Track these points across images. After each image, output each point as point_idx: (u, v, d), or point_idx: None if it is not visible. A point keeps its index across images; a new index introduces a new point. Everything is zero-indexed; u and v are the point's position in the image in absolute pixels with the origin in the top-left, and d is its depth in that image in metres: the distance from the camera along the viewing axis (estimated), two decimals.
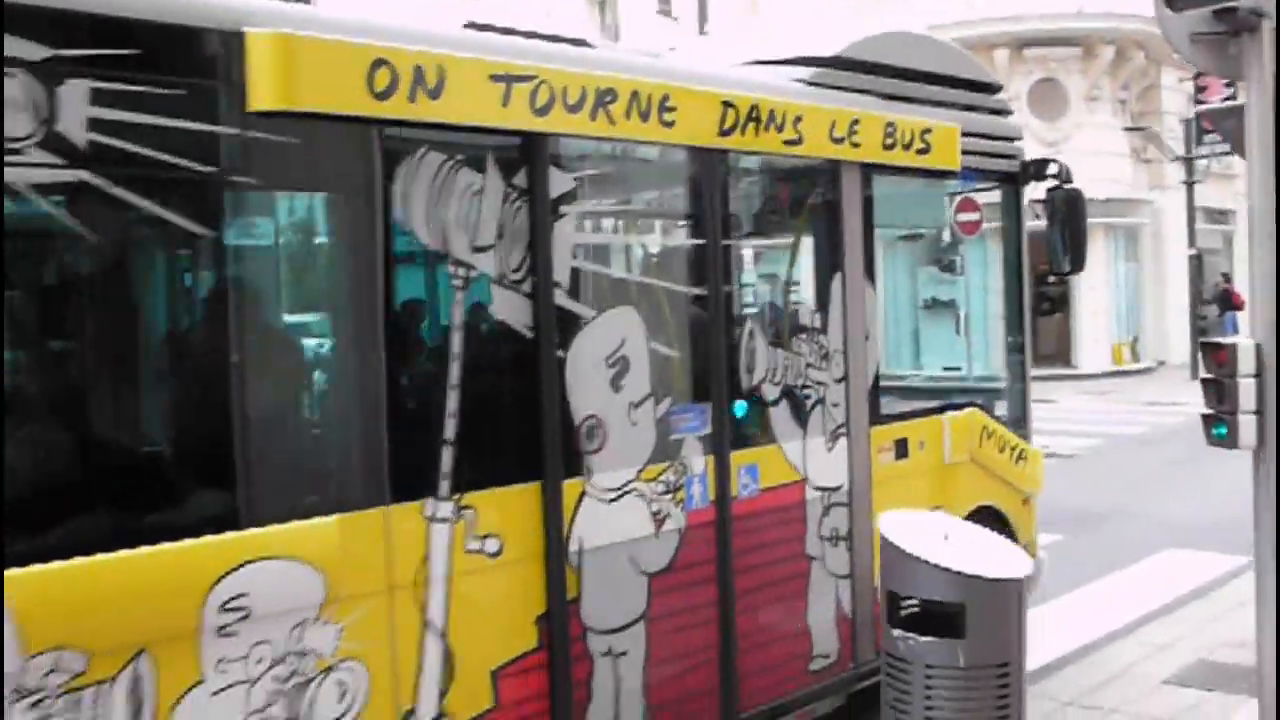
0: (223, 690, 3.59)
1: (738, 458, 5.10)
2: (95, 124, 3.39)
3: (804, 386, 5.45)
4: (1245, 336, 5.06)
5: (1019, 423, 6.74)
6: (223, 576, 3.57)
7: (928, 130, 5.87)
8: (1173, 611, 7.60)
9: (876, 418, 5.78)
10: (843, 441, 5.60)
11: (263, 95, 3.69)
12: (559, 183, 4.49)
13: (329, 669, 3.83)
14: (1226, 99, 4.99)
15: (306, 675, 3.77)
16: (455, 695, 4.16)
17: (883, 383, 5.91)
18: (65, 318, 3.59)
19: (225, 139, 3.71)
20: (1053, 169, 6.47)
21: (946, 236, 7.77)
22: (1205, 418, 4.98)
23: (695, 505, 4.94)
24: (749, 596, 5.13)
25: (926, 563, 4.13)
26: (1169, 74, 29.48)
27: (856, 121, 5.53)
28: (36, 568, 3.25)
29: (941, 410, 6.26)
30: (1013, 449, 6.59)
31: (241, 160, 3.74)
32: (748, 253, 5.98)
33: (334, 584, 3.82)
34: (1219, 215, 30.66)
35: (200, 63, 3.68)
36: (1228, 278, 27.30)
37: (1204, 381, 5.01)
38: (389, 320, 4.05)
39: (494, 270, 4.32)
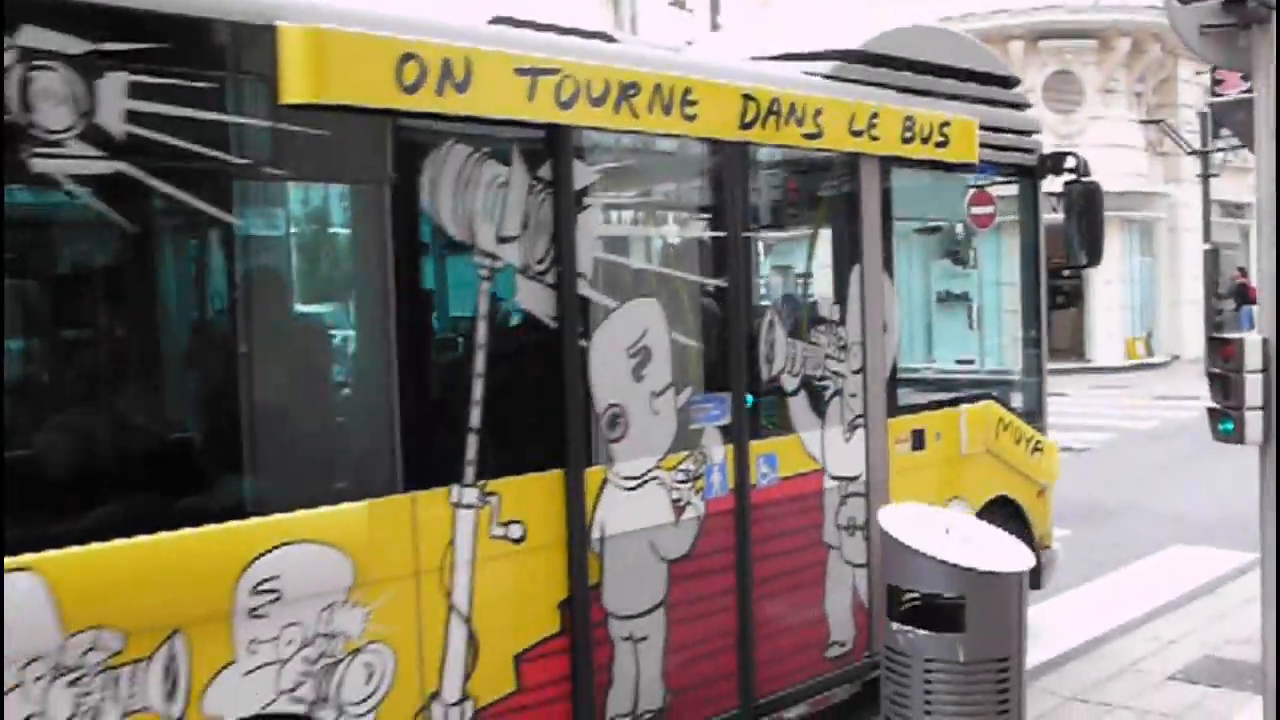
0: (254, 670, 3.68)
1: (757, 447, 5.17)
2: (132, 116, 3.46)
3: (822, 377, 5.51)
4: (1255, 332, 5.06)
5: (1035, 415, 6.79)
6: (255, 559, 3.65)
7: (946, 124, 5.92)
8: (1180, 607, 7.59)
9: (894, 409, 5.84)
10: (860, 432, 5.67)
11: (294, 88, 3.76)
12: (583, 175, 4.55)
13: (357, 651, 3.91)
14: (1244, 92, 4.93)
15: (335, 657, 3.86)
16: (479, 678, 4.24)
17: (900, 375, 5.97)
18: (103, 307, 3.67)
19: (258, 131, 3.78)
20: (1070, 162, 6.52)
21: (960, 230, 7.80)
22: (1211, 412, 4.97)
23: (715, 494, 5.01)
24: (767, 584, 5.19)
25: (926, 556, 4.12)
26: (1186, 67, 29.39)
27: (876, 115, 5.59)
28: (76, 549, 3.33)
29: (958, 402, 6.32)
30: (1029, 440, 6.65)
31: (274, 152, 3.82)
32: (768, 245, 6.03)
33: (362, 568, 3.90)
34: (1235, 209, 30.57)
35: (234, 56, 3.75)
36: (1244, 271, 27.25)
37: (1210, 376, 5.00)
38: (416, 310, 4.12)
39: (519, 261, 4.39)
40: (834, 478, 5.55)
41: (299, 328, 4.08)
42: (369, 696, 3.95)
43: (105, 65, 3.41)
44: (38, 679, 3.26)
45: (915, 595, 4.20)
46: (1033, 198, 6.77)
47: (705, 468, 4.97)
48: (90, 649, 3.35)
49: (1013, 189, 6.85)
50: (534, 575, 4.43)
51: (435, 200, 4.15)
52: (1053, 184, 6.82)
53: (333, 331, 4.18)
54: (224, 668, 3.61)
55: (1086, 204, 6.45)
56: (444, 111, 4.10)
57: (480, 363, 4.27)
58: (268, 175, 3.88)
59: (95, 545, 3.37)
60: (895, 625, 4.17)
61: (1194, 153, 26.86)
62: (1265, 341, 4.84)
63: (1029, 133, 6.70)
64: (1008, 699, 4.10)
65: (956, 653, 4.05)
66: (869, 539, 5.70)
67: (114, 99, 3.43)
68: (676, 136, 4.96)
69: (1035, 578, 6.75)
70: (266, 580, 3.67)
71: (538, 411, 4.50)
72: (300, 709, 3.78)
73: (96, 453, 3.57)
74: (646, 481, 4.76)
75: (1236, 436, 4.88)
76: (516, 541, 4.35)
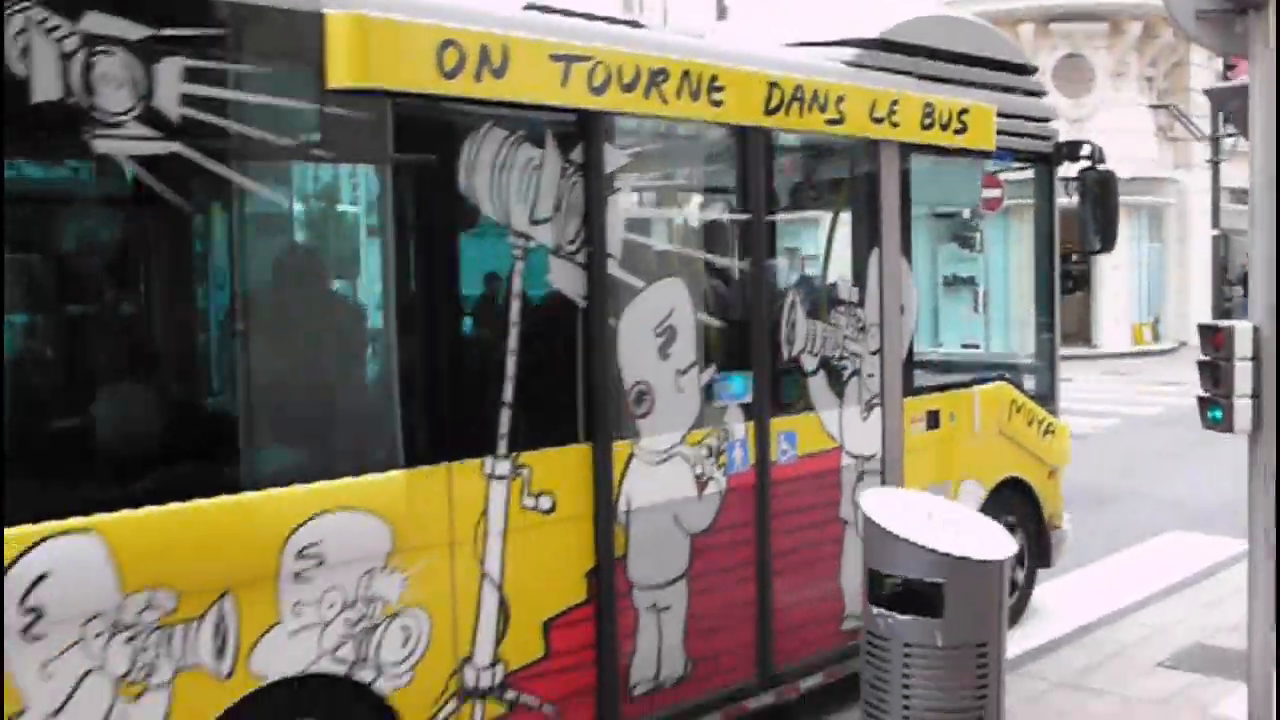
0: (298, 631, 3.84)
1: (777, 424, 5.32)
2: (187, 99, 3.60)
3: (841, 358, 5.66)
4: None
5: (1047, 398, 6.93)
6: (300, 525, 3.81)
7: (965, 111, 6.04)
8: (1174, 594, 7.55)
9: (910, 389, 5.99)
10: (877, 411, 5.82)
11: (340, 73, 3.89)
12: (613, 159, 4.69)
13: (394, 615, 4.07)
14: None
15: (374, 620, 4.02)
16: (509, 644, 4.40)
17: (915, 357, 6.11)
18: (157, 284, 3.82)
19: (306, 114, 3.91)
20: (1086, 150, 6.64)
21: (967, 214, 7.92)
22: (1201, 401, 4.95)
23: (736, 469, 5.16)
24: (785, 558, 5.35)
25: (907, 541, 4.08)
26: (1198, 51, 29.30)
27: (896, 102, 5.71)
28: (134, 511, 3.49)
29: (972, 384, 6.47)
30: (1040, 423, 6.80)
31: (321, 134, 3.96)
32: (790, 228, 6.16)
33: (400, 535, 4.05)
34: (1245, 195, 30.48)
35: (284, 42, 3.89)
36: None
37: (1200, 364, 4.95)
38: (453, 288, 4.27)
39: (551, 242, 4.53)
40: (851, 456, 5.70)
41: (344, 305, 4.22)
42: (406, 658, 4.11)
43: (162, 50, 3.55)
44: (98, 635, 3.43)
45: (897, 580, 4.18)
46: (1048, 184, 6.90)
47: (727, 444, 5.12)
48: (146, 608, 3.51)
49: (1023, 174, 6.98)
50: (563, 545, 4.58)
51: (473, 183, 4.29)
52: (1065, 169, 6.93)
53: (375, 308, 4.32)
54: (270, 628, 3.77)
55: (1101, 191, 6.58)
56: (482, 96, 4.24)
57: (514, 339, 4.42)
58: (315, 156, 4.02)
59: (152, 509, 3.54)
60: (875, 609, 4.15)
61: (1204, 138, 26.86)
62: (1256, 329, 4.81)
63: (1045, 120, 6.81)
64: (986, 684, 4.07)
65: (935, 638, 4.02)
66: None
67: (170, 82, 3.57)
68: (703, 122, 5.08)
69: (1045, 557, 6.97)
70: (311, 545, 3.83)
71: (568, 387, 4.65)
72: (341, 669, 3.94)
73: (154, 422, 3.72)
74: (671, 456, 4.92)
75: (1225, 425, 4.86)
76: (546, 512, 4.50)
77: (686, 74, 4.85)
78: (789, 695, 5.43)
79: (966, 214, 7.95)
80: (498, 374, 4.39)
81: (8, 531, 3.26)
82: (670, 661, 4.94)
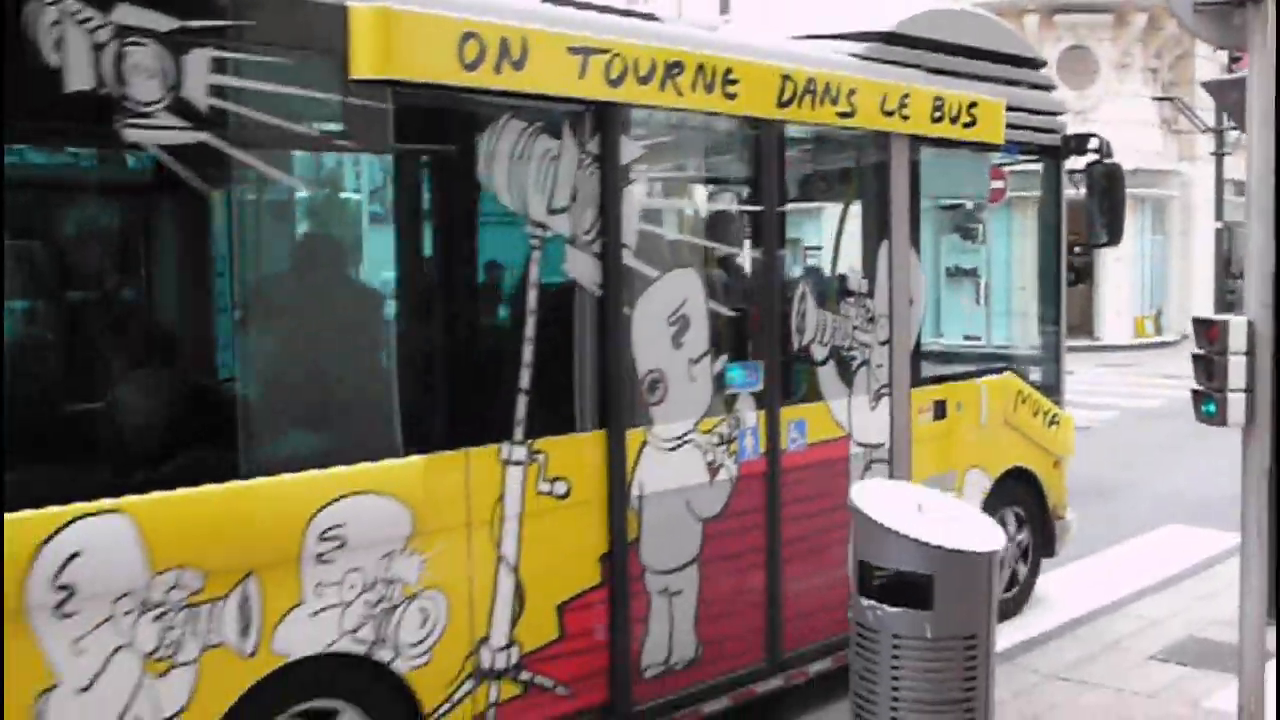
0: (320, 612, 3.93)
1: (787, 413, 5.40)
2: (215, 90, 3.68)
3: (851, 348, 5.74)
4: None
5: (1052, 389, 7.01)
6: (323, 508, 3.90)
7: (974, 104, 6.11)
8: (1169, 587, 7.54)
9: (917, 379, 6.07)
10: (885, 401, 5.90)
11: (363, 64, 3.97)
12: (629, 150, 4.76)
13: (413, 597, 4.16)
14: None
15: (393, 601, 4.10)
16: (524, 626, 4.49)
17: (923, 347, 6.19)
18: (185, 271, 3.90)
19: (330, 104, 3.99)
20: (1093, 143, 6.70)
21: (969, 205, 7.97)
22: (1195, 394, 4.95)
23: (747, 456, 5.24)
24: (794, 544, 5.43)
25: (896, 533, 4.07)
26: (1203, 44, 29.28)
27: (907, 95, 5.78)
28: (163, 493, 3.58)
29: (979, 374, 6.55)
30: (1046, 413, 6.88)
31: (345, 123, 4.03)
32: (801, 219, 6.23)
33: (420, 519, 4.14)
34: None
35: (309, 33, 3.95)
36: None
37: (1195, 358, 4.94)
38: (471, 276, 4.35)
39: (568, 231, 4.60)
40: (859, 444, 5.78)
41: (365, 293, 4.30)
42: (424, 639, 4.20)
43: (191, 42, 3.62)
44: (127, 613, 3.52)
45: (886, 572, 4.16)
46: (1056, 177, 6.97)
47: (738, 431, 5.20)
48: (174, 587, 3.60)
49: (1030, 167, 7.05)
50: (577, 530, 4.67)
51: (491, 172, 4.37)
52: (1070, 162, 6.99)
53: (395, 297, 4.40)
54: (292, 608, 3.86)
55: (1109, 184, 6.65)
56: (501, 88, 4.31)
57: (530, 327, 4.50)
58: (338, 146, 4.10)
59: (180, 491, 3.62)
60: (864, 601, 4.14)
61: (1208, 130, 26.86)
62: (1250, 324, 4.81)
63: (1053, 113, 6.88)
64: (975, 676, 4.05)
65: (924, 629, 4.00)
66: None
67: (199, 73, 3.64)
68: (717, 114, 5.15)
69: (1049, 547, 7.05)
70: (333, 528, 3.92)
71: (583, 374, 4.72)
72: (361, 649, 4.03)
73: (182, 407, 3.81)
74: (683, 443, 5.00)
75: (1219, 418, 4.85)
76: (561, 497, 4.58)
77: (701, 67, 4.91)
78: (797, 680, 5.52)
79: (969, 205, 8.01)
80: (514, 361, 4.47)
81: (42, 511, 3.35)
82: (681, 645, 5.03)
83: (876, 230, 5.94)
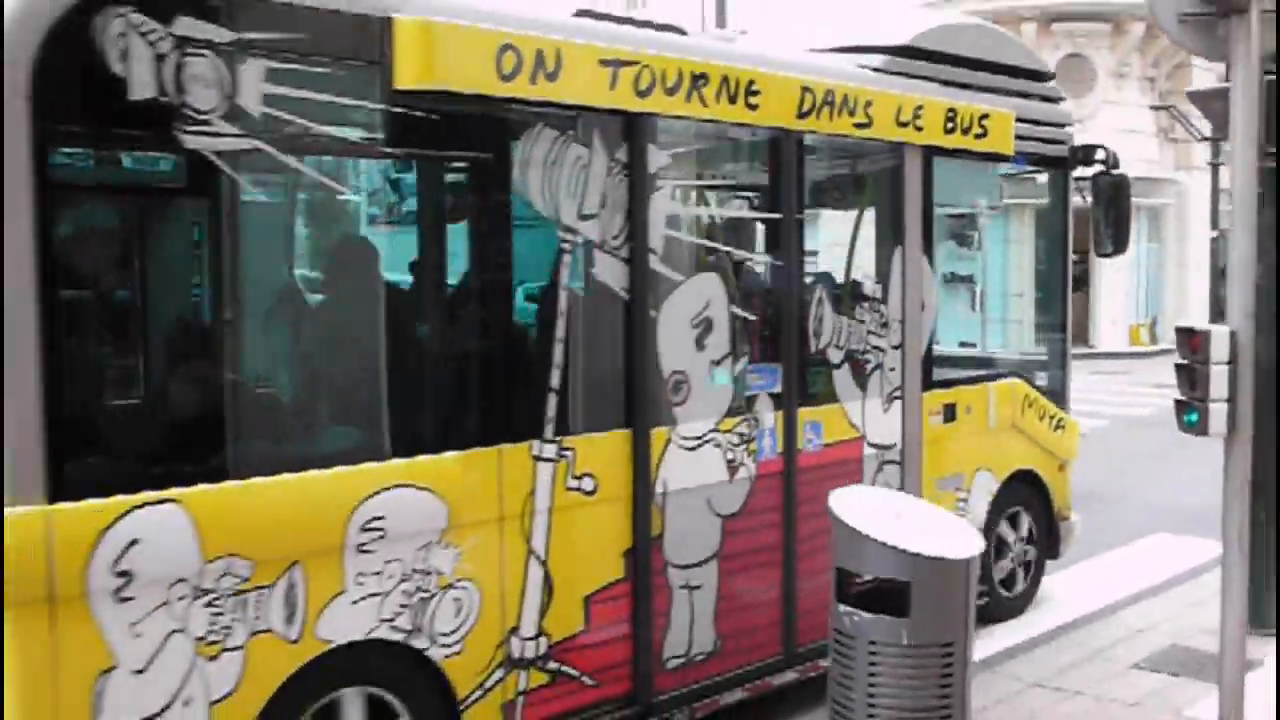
0: (361, 600, 4.08)
1: (804, 414, 5.57)
2: (268, 99, 3.84)
3: (865, 351, 5.91)
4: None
5: (1058, 394, 7.19)
6: (364, 500, 4.05)
7: (985, 116, 6.28)
8: (1155, 595, 7.52)
9: (929, 383, 6.24)
10: (898, 404, 6.07)
11: (407, 74, 4.13)
12: (656, 158, 4.92)
13: (448, 587, 4.31)
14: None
15: (429, 591, 4.26)
16: (552, 617, 4.65)
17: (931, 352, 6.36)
18: (238, 274, 4.05)
19: (376, 113, 4.15)
20: (1100, 154, 6.88)
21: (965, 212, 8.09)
22: (1178, 404, 4.95)
23: (765, 456, 5.40)
24: (809, 541, 5.58)
25: (873, 540, 4.05)
26: None
27: (920, 107, 5.95)
28: (215, 485, 3.74)
29: (987, 379, 6.73)
30: (1052, 418, 7.06)
31: (389, 131, 4.19)
32: (819, 226, 6.39)
33: (455, 512, 4.30)
34: None
35: (355, 45, 4.11)
36: None
37: (1177, 367, 4.94)
38: (505, 279, 4.51)
39: (597, 237, 4.77)
40: (872, 445, 5.95)
41: (406, 295, 4.46)
42: (457, 628, 4.36)
43: (247, 53, 3.78)
44: (181, 599, 3.67)
45: (865, 579, 4.16)
46: (1063, 188, 7.14)
47: (757, 432, 5.37)
48: (224, 574, 3.76)
49: (1027, 176, 7.23)
50: (603, 525, 4.83)
51: (525, 179, 4.53)
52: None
53: (433, 299, 4.56)
54: (335, 596, 4.02)
55: (1115, 195, 6.82)
56: (536, 98, 4.47)
57: (560, 329, 4.66)
58: (383, 153, 4.25)
59: (231, 483, 3.78)
60: (842, 607, 4.12)
61: (1205, 139, 27.03)
62: (1233, 334, 4.82)
63: (1061, 125, 7.05)
64: (951, 684, 4.04)
65: (901, 636, 3.99)
66: None
67: (253, 83, 3.80)
68: (740, 125, 5.31)
69: (1053, 548, 7.22)
70: (374, 519, 4.08)
71: (611, 375, 4.88)
72: (399, 637, 4.19)
73: (232, 403, 3.96)
74: (705, 442, 5.16)
75: (1200, 428, 4.86)
76: (588, 493, 4.74)
77: (726, 78, 5.08)
78: (811, 673, 5.67)
79: (964, 213, 8.15)
80: (545, 362, 4.63)
81: (104, 500, 3.51)
82: (701, 637, 5.19)
83: (891, 238, 6.11)
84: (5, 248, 3.34)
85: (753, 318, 5.47)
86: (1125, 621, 6.99)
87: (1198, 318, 28.44)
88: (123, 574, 3.54)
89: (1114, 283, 27.98)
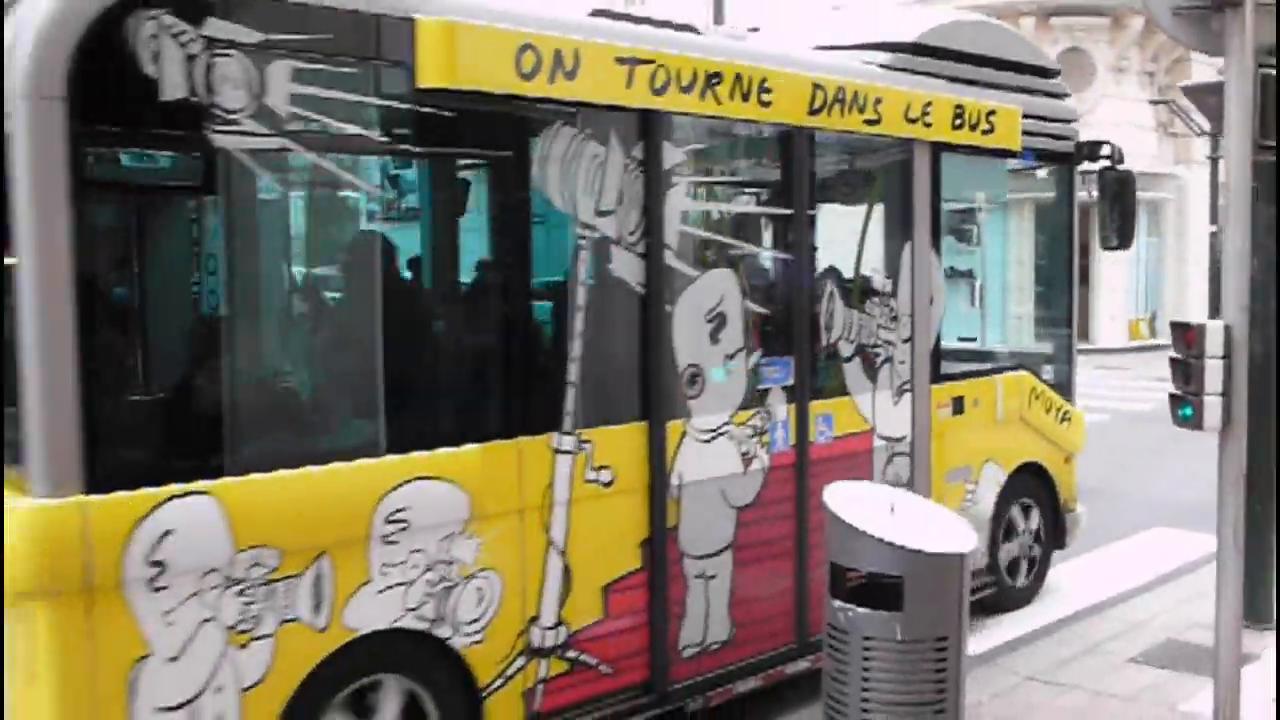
0: (386, 589, 4.17)
1: (816, 407, 5.65)
2: (295, 98, 3.92)
3: (875, 345, 5.99)
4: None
5: (1064, 387, 7.27)
6: (389, 492, 4.14)
7: (992, 112, 6.36)
8: (1152, 589, 7.52)
9: (937, 376, 6.32)
10: (907, 396, 6.15)
11: (429, 74, 4.20)
12: (671, 155, 5.00)
13: (470, 577, 4.40)
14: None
15: (452, 581, 4.34)
16: (571, 606, 4.73)
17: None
18: (264, 273, 4.14)
19: (399, 111, 4.23)
20: (1105, 150, 6.96)
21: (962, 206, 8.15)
22: (1172, 398, 4.95)
23: (778, 448, 5.49)
24: (821, 532, 5.65)
25: (867, 535, 4.05)
26: None
27: (929, 104, 6.03)
28: (245, 478, 3.83)
29: (995, 372, 6.81)
30: (1058, 410, 7.14)
31: (412, 129, 4.27)
32: (829, 222, 6.45)
33: (477, 503, 4.38)
34: None
35: (379, 45, 4.18)
36: None
37: (1172, 362, 4.94)
38: (525, 274, 4.59)
39: (614, 232, 4.85)
40: (882, 438, 6.03)
41: (429, 292, 4.53)
42: (479, 617, 4.44)
43: (275, 53, 3.86)
44: (213, 588, 3.76)
45: (860, 573, 4.15)
46: (1069, 183, 7.23)
47: (770, 424, 5.45)
48: (255, 564, 3.84)
49: (1049, 173, 7.31)
50: (620, 516, 4.91)
51: (544, 176, 4.61)
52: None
53: (455, 295, 4.63)
54: (361, 586, 4.10)
55: (1120, 190, 6.90)
56: (555, 96, 4.55)
57: (578, 323, 4.74)
58: (406, 151, 4.33)
59: (261, 475, 3.86)
60: (836, 602, 4.11)
61: (1204, 134, 27.06)
62: (1227, 328, 4.82)
63: (1067, 121, 7.13)
64: (945, 678, 4.03)
65: (894, 631, 3.98)
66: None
67: (280, 83, 3.88)
68: (753, 121, 5.39)
69: (1060, 538, 7.31)
70: (398, 511, 4.16)
71: (627, 368, 4.96)
72: (423, 625, 4.27)
73: (262, 397, 4.04)
74: (719, 435, 5.24)
75: (1195, 422, 4.86)
76: (606, 485, 4.82)
77: (739, 76, 5.16)
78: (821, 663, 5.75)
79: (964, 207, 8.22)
80: (564, 356, 4.71)
81: (139, 492, 3.59)
82: (716, 626, 5.27)
83: (900, 233, 6.19)
84: (43, 245, 3.42)
85: (765, 312, 5.55)
86: (1122, 616, 7.01)
87: (1197, 312, 28.46)
88: (157, 564, 3.62)
89: (1113, 278, 28.03)
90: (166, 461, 3.74)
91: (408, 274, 4.47)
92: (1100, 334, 28.27)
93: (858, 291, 6.04)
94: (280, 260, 4.15)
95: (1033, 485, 7.08)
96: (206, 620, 3.75)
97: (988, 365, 6.98)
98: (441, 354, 4.61)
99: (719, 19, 21.29)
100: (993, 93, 6.51)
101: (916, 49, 6.21)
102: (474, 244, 4.53)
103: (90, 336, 3.51)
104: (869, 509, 4.20)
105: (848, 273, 6.16)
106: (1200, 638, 6.33)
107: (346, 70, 4.07)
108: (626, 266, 4.90)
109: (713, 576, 5.26)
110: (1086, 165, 7.17)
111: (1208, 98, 6.02)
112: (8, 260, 3.46)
